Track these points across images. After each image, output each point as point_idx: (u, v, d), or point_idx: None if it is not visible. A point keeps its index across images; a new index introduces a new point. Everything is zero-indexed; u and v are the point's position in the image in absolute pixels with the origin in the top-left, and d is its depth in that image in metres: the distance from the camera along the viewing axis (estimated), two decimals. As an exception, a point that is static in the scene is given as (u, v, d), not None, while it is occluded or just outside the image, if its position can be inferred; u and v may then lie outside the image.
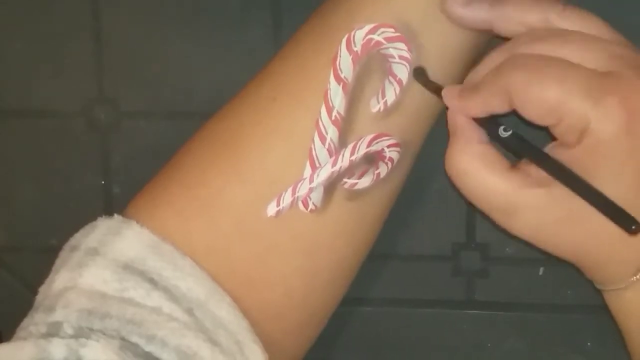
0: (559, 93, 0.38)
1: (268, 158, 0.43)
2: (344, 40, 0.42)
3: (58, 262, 0.44)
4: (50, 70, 0.54)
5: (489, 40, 0.45)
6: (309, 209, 0.43)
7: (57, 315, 0.41)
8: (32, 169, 0.55)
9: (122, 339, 0.40)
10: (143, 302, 0.42)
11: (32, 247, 0.56)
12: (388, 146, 0.43)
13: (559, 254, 0.42)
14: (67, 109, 0.54)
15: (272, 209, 0.43)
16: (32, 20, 0.54)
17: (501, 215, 0.42)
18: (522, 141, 0.41)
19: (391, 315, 0.55)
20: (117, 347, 0.40)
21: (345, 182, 0.43)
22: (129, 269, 0.42)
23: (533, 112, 0.39)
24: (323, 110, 0.42)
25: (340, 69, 0.42)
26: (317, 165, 0.42)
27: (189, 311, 0.42)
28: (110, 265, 0.42)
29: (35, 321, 0.42)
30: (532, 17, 0.41)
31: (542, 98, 0.39)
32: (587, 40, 0.40)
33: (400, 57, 0.42)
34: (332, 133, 0.42)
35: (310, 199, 0.43)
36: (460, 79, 0.45)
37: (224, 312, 0.43)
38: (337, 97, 0.42)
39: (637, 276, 0.41)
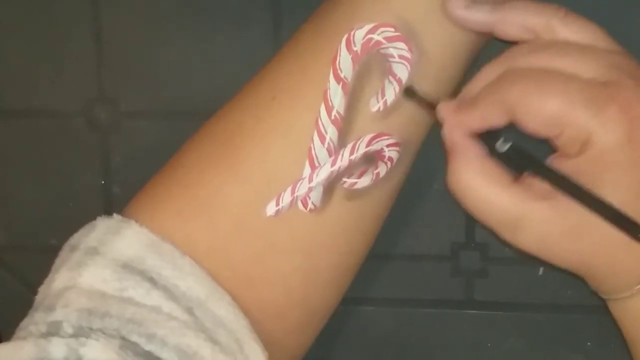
0: (560, 104, 0.39)
1: (267, 157, 0.43)
2: (343, 40, 0.42)
3: (58, 261, 0.44)
4: (50, 70, 0.54)
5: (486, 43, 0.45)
6: (308, 209, 0.43)
7: (57, 315, 0.41)
8: (32, 169, 0.55)
9: (122, 338, 0.40)
10: (143, 301, 0.42)
11: (32, 247, 0.56)
12: (387, 145, 0.43)
13: (564, 265, 0.42)
14: (67, 109, 0.54)
15: (271, 209, 0.43)
16: (32, 20, 0.54)
17: (506, 230, 0.42)
18: (524, 154, 0.41)
19: (391, 315, 0.55)
20: (117, 347, 0.40)
21: (345, 182, 0.43)
22: (129, 268, 0.42)
23: (534, 124, 0.39)
24: (322, 109, 0.42)
25: (339, 68, 0.42)
26: (317, 164, 0.42)
27: (189, 310, 0.42)
28: (109, 265, 0.42)
29: (35, 321, 0.42)
30: (534, 22, 0.41)
31: (544, 110, 0.39)
32: (585, 50, 0.40)
33: (400, 56, 0.42)
34: (331, 132, 0.42)
35: (310, 198, 0.43)
36: (460, 79, 0.45)
37: (224, 311, 0.43)
38: (337, 97, 0.42)
39: None
